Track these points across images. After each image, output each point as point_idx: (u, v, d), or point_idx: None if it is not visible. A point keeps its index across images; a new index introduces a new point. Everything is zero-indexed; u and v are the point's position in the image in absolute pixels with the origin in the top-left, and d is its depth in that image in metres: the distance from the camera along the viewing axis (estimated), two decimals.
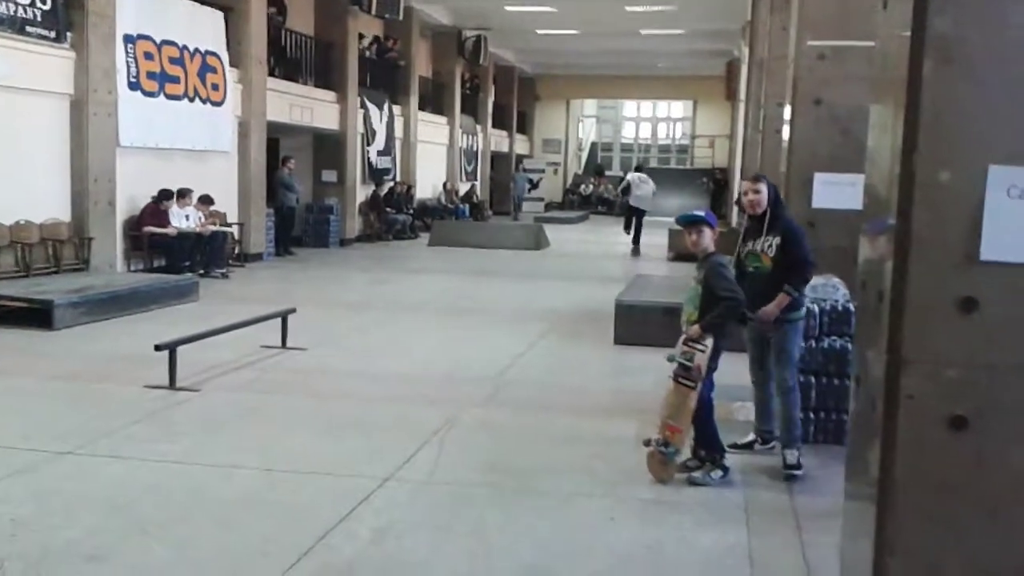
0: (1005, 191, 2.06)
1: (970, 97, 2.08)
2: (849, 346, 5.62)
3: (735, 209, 20.38)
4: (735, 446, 5.51)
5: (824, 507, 4.60)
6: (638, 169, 22.74)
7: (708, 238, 5.12)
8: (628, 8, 22.79)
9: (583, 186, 38.26)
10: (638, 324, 9.00)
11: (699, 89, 36.23)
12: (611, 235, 25.92)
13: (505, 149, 34.61)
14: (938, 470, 2.14)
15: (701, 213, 5.41)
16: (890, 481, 2.17)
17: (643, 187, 20.58)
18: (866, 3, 5.77)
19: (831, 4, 6.34)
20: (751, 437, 5.69)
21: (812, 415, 5.84)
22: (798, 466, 5.21)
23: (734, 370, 5.74)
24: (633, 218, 20.45)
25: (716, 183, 33.39)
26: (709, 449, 5.14)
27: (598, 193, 37.39)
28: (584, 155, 41.63)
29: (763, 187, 5.34)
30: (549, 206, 35.43)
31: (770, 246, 5.26)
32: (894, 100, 2.24)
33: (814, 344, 5.82)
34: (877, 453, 2.21)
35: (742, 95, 20.70)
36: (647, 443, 5.07)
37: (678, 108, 41.44)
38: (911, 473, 2.16)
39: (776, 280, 5.22)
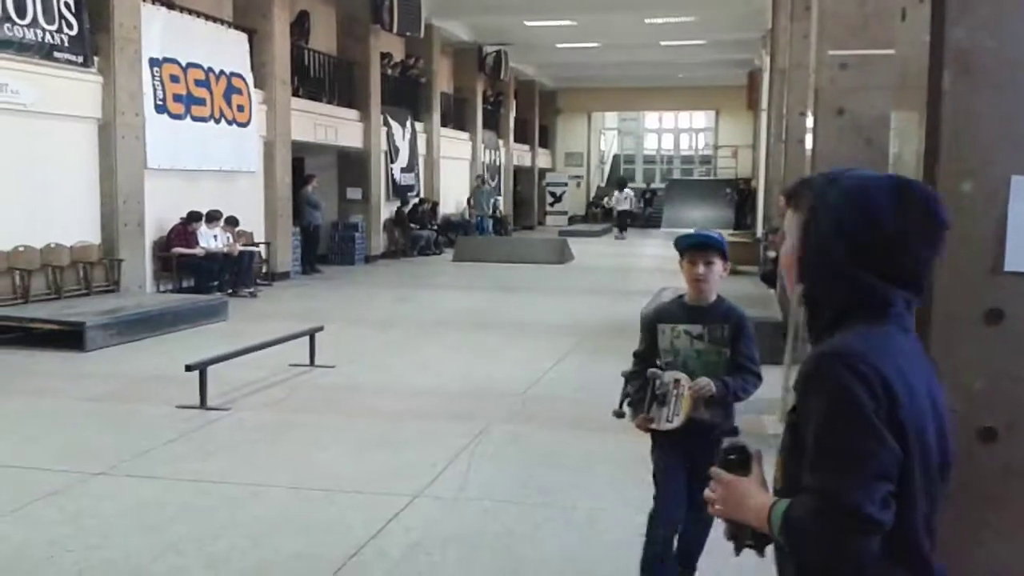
0: None
1: (990, 107, 2.08)
2: None
3: (760, 218, 20.31)
4: None
5: None
6: (623, 185, 32.48)
7: (718, 274, 3.47)
8: (647, 20, 22.83)
9: (606, 199, 38.24)
10: None
11: (721, 99, 36.14)
12: (635, 247, 25.91)
13: (528, 163, 34.71)
14: (968, 483, 2.13)
15: (713, 234, 3.60)
16: None
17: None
18: (886, 12, 5.76)
19: (851, 13, 6.33)
20: None
21: None
22: None
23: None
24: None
25: (740, 193, 33.25)
26: None
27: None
28: (606, 168, 41.63)
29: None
30: (572, 219, 35.45)
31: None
32: (915, 110, 2.25)
33: None
34: None
35: (764, 104, 20.64)
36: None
37: (700, 118, 41.36)
38: None
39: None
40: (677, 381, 3.34)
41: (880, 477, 1.43)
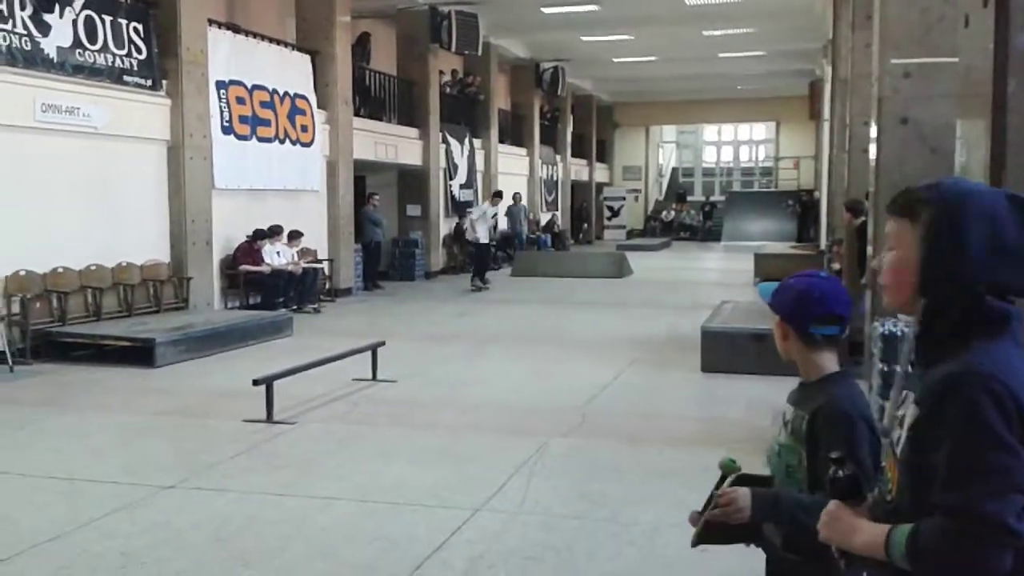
0: None
1: None
2: None
3: (824, 230, 20.03)
4: None
5: None
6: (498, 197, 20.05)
7: (782, 340, 2.33)
8: (706, 32, 22.73)
9: (664, 212, 38.08)
10: (725, 351, 8.91)
11: (781, 110, 35.77)
12: (694, 261, 25.73)
13: (585, 178, 34.72)
14: None
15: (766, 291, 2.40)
16: None
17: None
18: (949, 19, 5.67)
19: (913, 21, 6.24)
20: None
21: None
22: None
23: None
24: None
25: (803, 205, 32.78)
26: None
27: (680, 219, 37.18)
28: (665, 181, 41.46)
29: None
30: (631, 233, 35.35)
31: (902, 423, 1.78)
32: (980, 117, 2.22)
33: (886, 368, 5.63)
34: None
35: (826, 114, 20.39)
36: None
37: (760, 130, 40.96)
38: None
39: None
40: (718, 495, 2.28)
41: (1017, 489, 1.45)
